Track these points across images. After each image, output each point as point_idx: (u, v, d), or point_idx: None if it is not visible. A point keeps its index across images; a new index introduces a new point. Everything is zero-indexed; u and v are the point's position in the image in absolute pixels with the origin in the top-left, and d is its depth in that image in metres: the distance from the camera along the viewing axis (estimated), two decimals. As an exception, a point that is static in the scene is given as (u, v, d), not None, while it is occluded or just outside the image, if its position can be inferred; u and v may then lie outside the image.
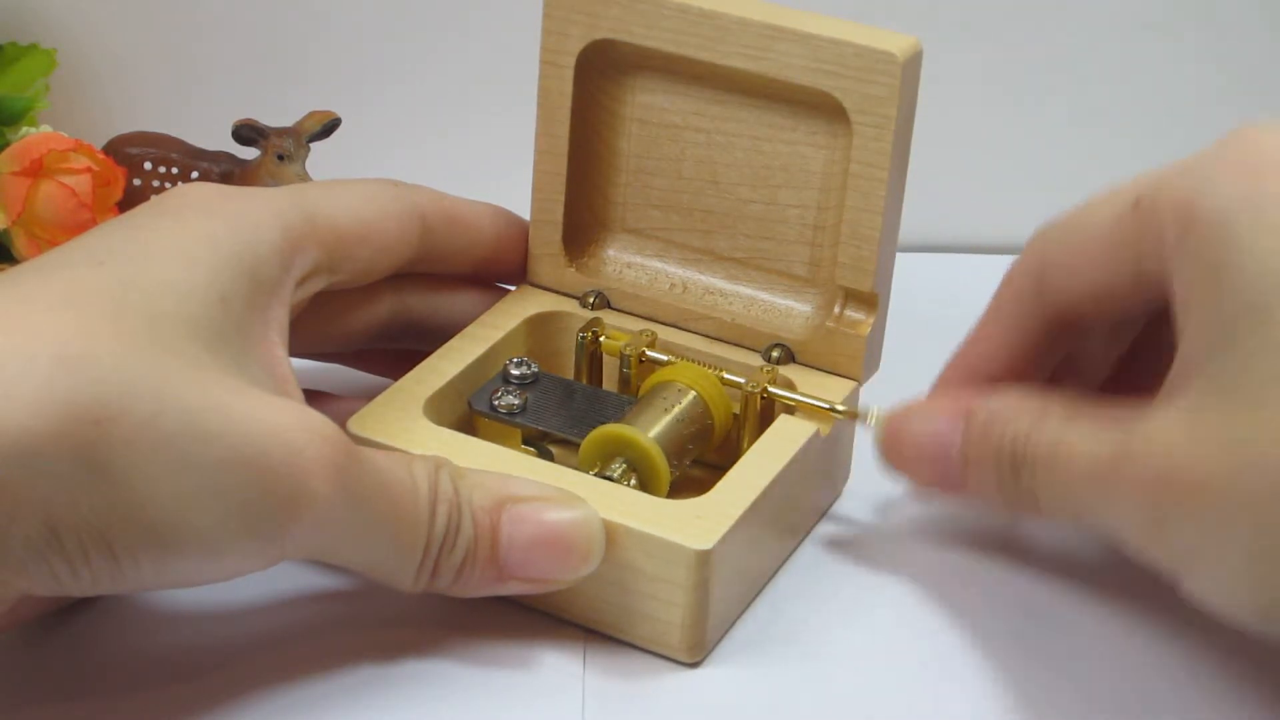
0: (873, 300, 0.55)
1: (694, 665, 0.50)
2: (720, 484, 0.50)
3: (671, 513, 0.49)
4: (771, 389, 0.54)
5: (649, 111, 0.57)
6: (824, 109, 0.54)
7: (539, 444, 0.56)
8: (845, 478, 0.57)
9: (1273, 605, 0.43)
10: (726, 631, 0.51)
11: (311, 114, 0.64)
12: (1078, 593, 0.53)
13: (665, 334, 0.57)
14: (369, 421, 0.52)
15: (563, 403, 0.55)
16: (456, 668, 0.49)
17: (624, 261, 0.59)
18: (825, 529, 0.56)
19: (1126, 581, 0.53)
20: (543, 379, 0.56)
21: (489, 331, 0.57)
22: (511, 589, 0.49)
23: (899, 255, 0.56)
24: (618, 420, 0.53)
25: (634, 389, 0.56)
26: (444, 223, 0.56)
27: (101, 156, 0.63)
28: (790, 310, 0.57)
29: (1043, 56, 0.72)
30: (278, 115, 0.63)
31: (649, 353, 0.56)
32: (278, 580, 0.51)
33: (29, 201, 0.61)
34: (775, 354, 0.56)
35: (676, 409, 0.54)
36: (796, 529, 0.55)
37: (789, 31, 0.53)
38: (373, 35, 0.72)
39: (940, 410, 0.51)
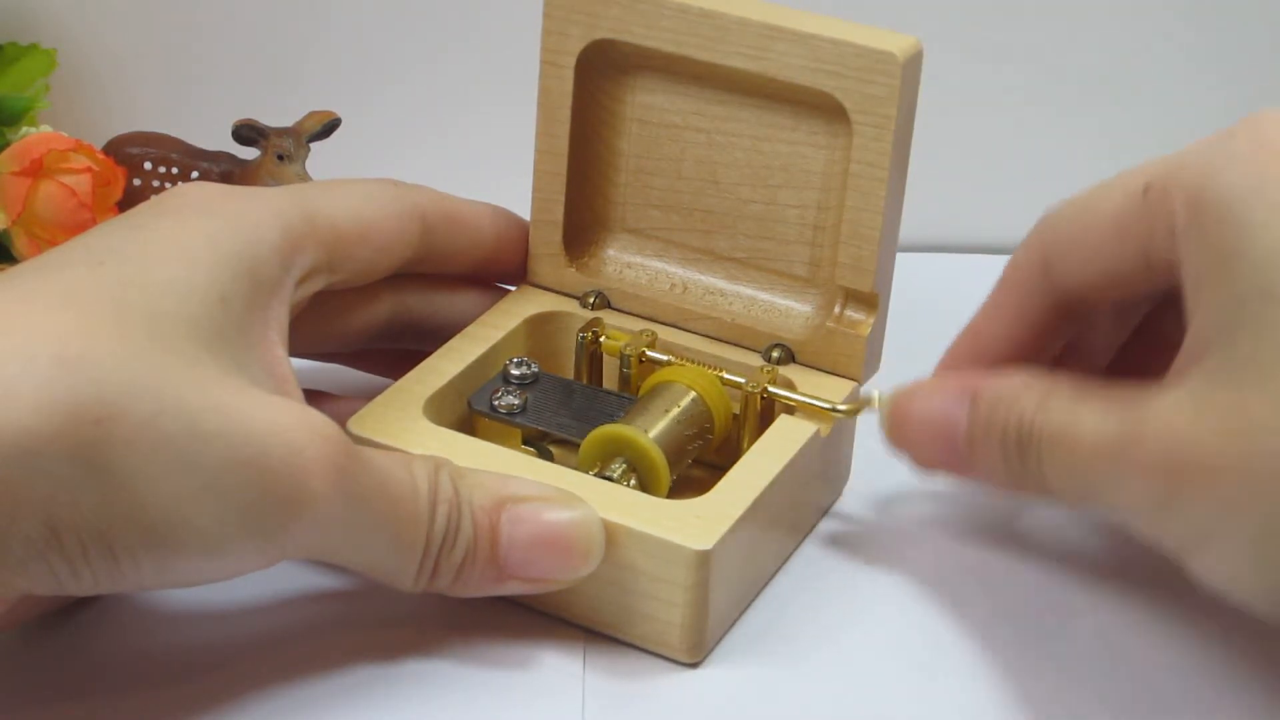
0: (873, 300, 0.55)
1: (694, 665, 0.50)
2: (720, 484, 0.50)
3: (671, 513, 0.49)
4: (771, 389, 0.54)
5: (649, 111, 0.57)
6: (824, 109, 0.54)
7: (539, 444, 0.56)
8: (845, 478, 0.57)
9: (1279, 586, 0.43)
10: (726, 631, 0.51)
11: (311, 114, 0.64)
12: (1079, 591, 0.53)
13: (665, 334, 0.57)
14: (369, 421, 0.52)
15: (563, 403, 0.55)
16: (456, 668, 0.49)
17: (624, 261, 0.59)
18: (826, 528, 0.56)
19: (1127, 581, 0.53)
20: (543, 379, 0.56)
21: (489, 331, 0.57)
22: (511, 589, 0.49)
23: (899, 255, 0.56)
24: (618, 420, 0.53)
25: (634, 389, 0.56)
26: (444, 223, 0.56)
27: (101, 156, 0.63)
28: (790, 310, 0.57)
29: (1043, 56, 0.72)
30: (278, 115, 0.63)
31: (649, 353, 0.56)
32: (278, 580, 0.51)
33: (29, 201, 0.61)
34: (775, 354, 0.56)
35: (676, 409, 0.54)
36: (796, 529, 0.55)
37: (789, 31, 0.53)
38: (373, 35, 0.72)
39: (946, 390, 0.51)
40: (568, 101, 0.56)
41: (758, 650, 0.51)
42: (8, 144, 0.63)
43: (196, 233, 0.48)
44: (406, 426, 0.52)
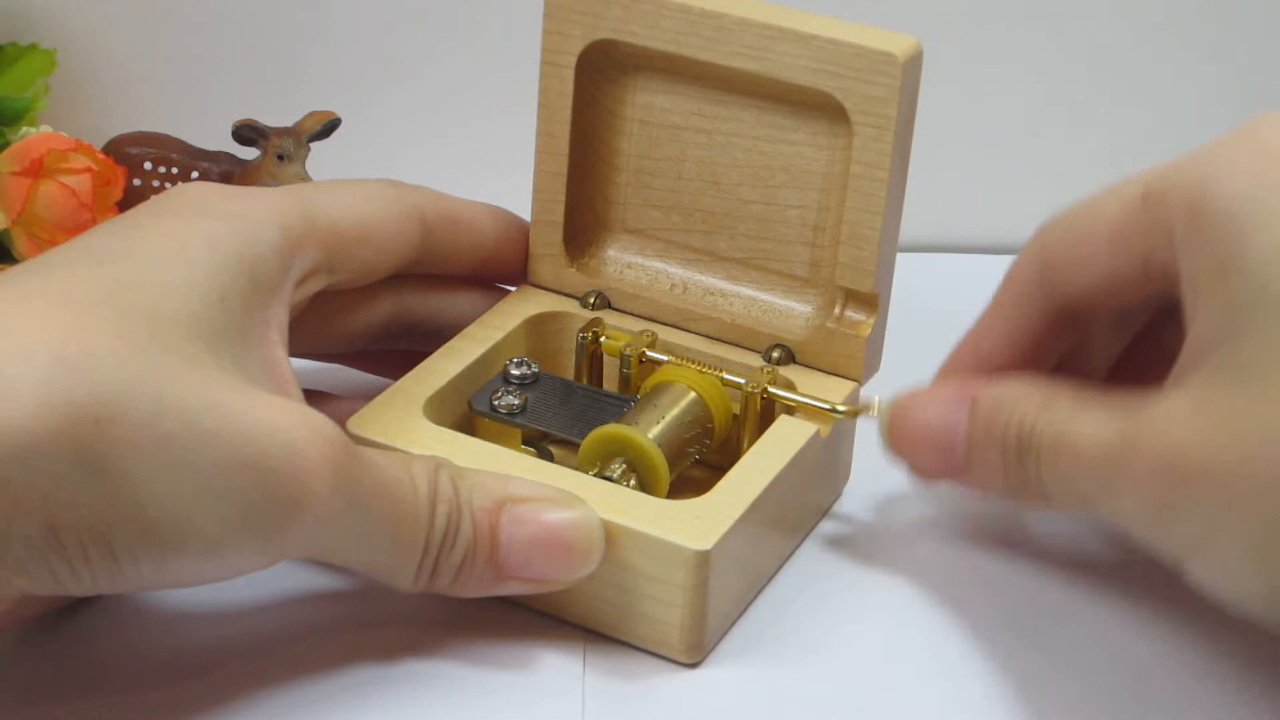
0: (873, 301, 0.55)
1: (693, 665, 0.50)
2: (720, 484, 0.50)
3: (671, 513, 0.49)
4: (772, 389, 0.54)
5: (649, 112, 0.57)
6: (824, 109, 0.54)
7: (539, 444, 0.56)
8: (845, 478, 0.57)
9: (1279, 592, 0.43)
10: (726, 631, 0.51)
11: (311, 114, 0.64)
12: (1079, 592, 0.53)
13: (665, 334, 0.57)
14: (369, 421, 0.52)
15: (563, 403, 0.55)
16: (456, 668, 0.49)
17: (624, 262, 0.59)
18: (825, 529, 0.56)
19: (1127, 581, 0.53)
20: (543, 379, 0.56)
21: (489, 331, 0.57)
22: (511, 589, 0.49)
23: (899, 255, 0.56)
24: (618, 420, 0.53)
25: (634, 389, 0.56)
26: (444, 223, 0.56)
27: (101, 156, 0.63)
28: (790, 311, 0.57)
29: (1043, 56, 0.72)
30: (278, 115, 0.63)
31: (649, 353, 0.56)
32: (278, 580, 0.51)
33: (29, 201, 0.61)
34: (775, 354, 0.56)
35: (676, 409, 0.54)
36: (796, 529, 0.55)
37: (789, 32, 0.53)
38: (373, 35, 0.72)
39: (945, 397, 0.51)
40: (568, 102, 0.56)
41: (757, 650, 0.51)
42: (8, 144, 0.63)
43: (196, 233, 0.48)
44: (406, 426, 0.52)
